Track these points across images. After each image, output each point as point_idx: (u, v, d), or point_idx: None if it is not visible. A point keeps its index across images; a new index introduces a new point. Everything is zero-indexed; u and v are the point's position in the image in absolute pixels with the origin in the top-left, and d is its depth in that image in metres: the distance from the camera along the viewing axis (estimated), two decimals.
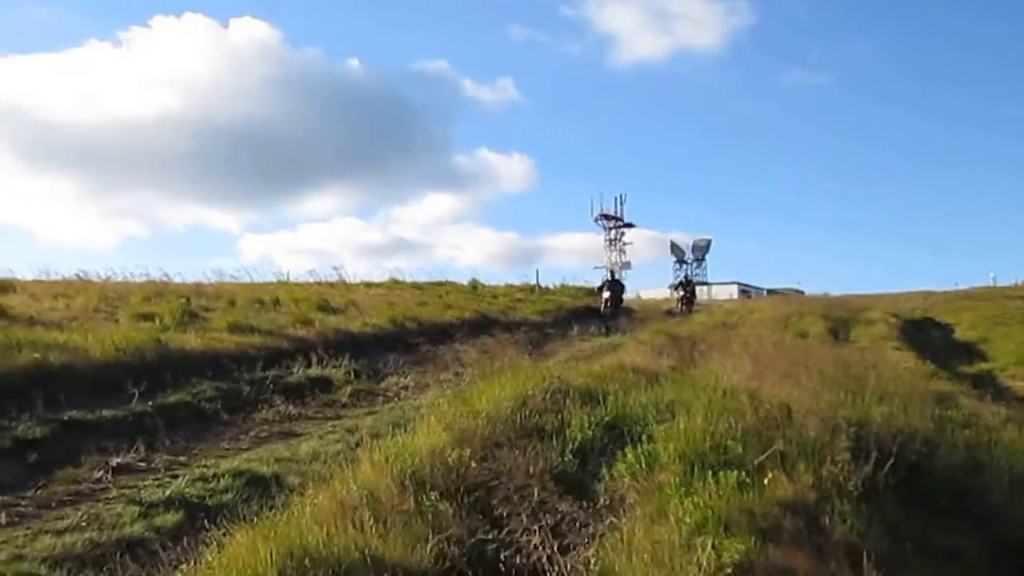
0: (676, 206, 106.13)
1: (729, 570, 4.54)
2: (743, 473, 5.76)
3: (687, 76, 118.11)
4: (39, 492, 7.24)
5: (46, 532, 6.23)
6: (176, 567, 4.86)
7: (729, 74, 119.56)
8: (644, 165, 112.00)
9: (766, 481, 5.67)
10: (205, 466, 8.17)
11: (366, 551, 4.77)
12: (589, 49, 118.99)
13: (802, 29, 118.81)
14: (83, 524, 6.43)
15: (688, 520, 5.10)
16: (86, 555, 5.74)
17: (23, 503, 6.96)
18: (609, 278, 32.66)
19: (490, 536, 5.54)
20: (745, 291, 54.48)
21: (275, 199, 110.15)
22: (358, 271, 36.81)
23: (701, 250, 65.43)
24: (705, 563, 4.54)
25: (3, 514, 6.64)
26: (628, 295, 34.67)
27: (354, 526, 5.09)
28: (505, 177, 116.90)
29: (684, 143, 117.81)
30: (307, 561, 4.57)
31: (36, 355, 10.42)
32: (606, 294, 31.10)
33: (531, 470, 6.40)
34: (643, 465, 6.39)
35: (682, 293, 37.96)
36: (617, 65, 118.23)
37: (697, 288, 43.02)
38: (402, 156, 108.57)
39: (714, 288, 56.42)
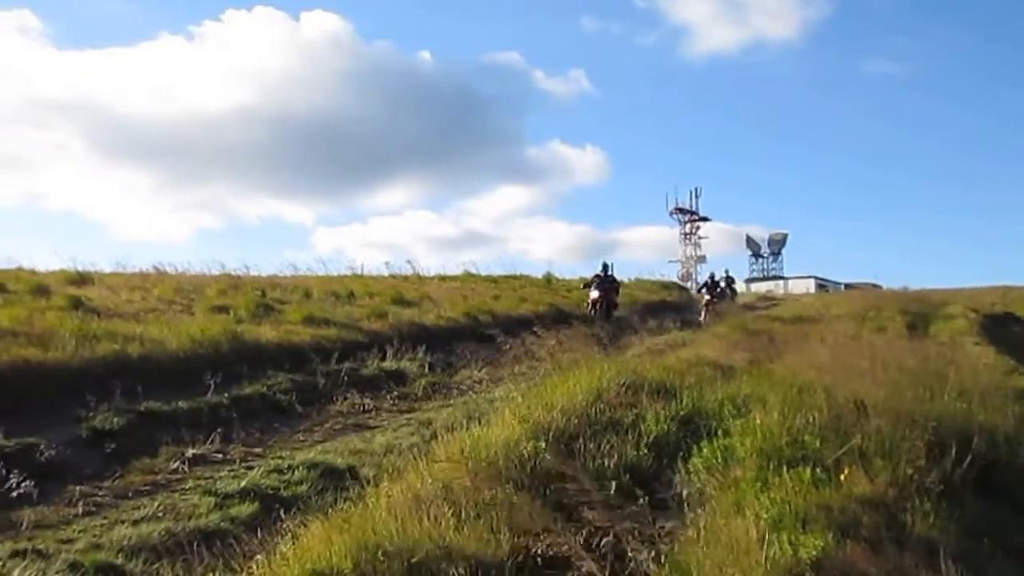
0: (751, 199, 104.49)
1: (806, 566, 4.38)
2: (820, 469, 5.62)
3: (762, 68, 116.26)
4: (116, 482, 7.26)
5: (123, 522, 6.22)
6: (251, 558, 4.77)
7: (805, 66, 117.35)
8: (718, 158, 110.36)
9: (843, 477, 5.51)
10: (280, 457, 8.14)
11: (440, 543, 4.66)
12: (662, 41, 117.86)
13: (880, 19, 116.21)
14: (159, 514, 6.42)
15: (764, 515, 4.96)
16: (162, 545, 5.70)
17: (101, 493, 6.98)
18: (601, 273, 23.74)
19: (565, 529, 5.40)
20: (822, 285, 53.48)
21: (347, 192, 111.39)
22: (430, 264, 36.89)
23: (777, 244, 64.73)
24: (782, 559, 4.41)
25: (81, 504, 6.66)
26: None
27: (428, 518, 4.97)
28: (578, 169, 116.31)
29: (759, 136, 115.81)
30: (381, 553, 4.47)
31: (115, 346, 10.53)
32: (594, 293, 23.29)
33: (606, 463, 6.28)
34: (719, 460, 6.27)
35: (708, 297, 28.26)
36: (691, 57, 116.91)
37: (736, 287, 35.81)
38: (474, 149, 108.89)
39: (790, 282, 55.51)
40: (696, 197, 62.70)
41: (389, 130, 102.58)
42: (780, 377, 8.58)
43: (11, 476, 6.64)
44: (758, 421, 6.74)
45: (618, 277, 24.99)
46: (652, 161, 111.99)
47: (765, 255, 65.12)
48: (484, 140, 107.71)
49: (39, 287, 15.78)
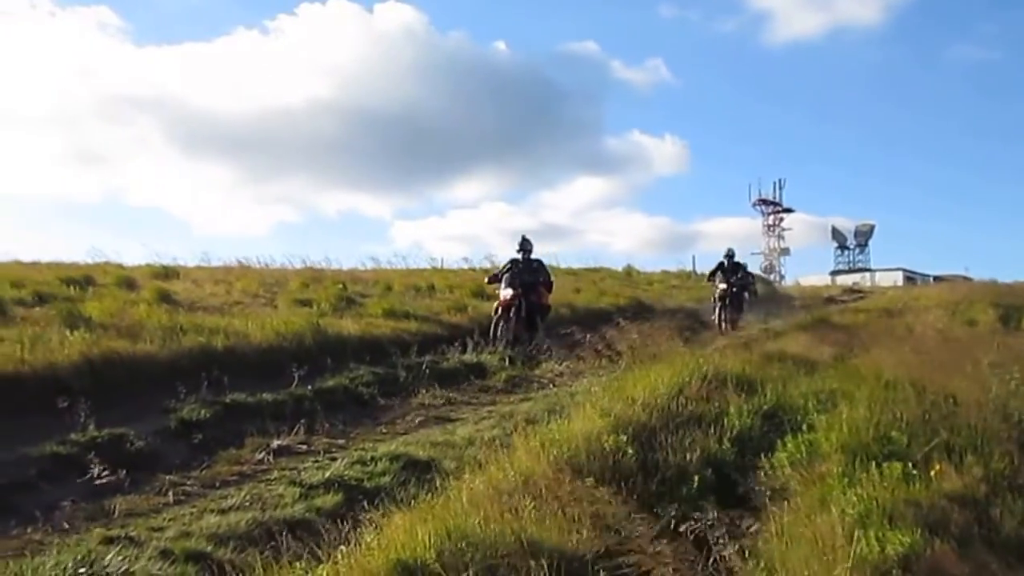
0: (835, 190, 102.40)
1: (893, 562, 4.30)
2: (908, 464, 5.52)
3: (846, 53, 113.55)
4: (204, 472, 7.38)
5: (211, 511, 6.31)
6: (336, 547, 4.80)
7: (891, 50, 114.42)
8: (801, 146, 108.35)
9: (933, 473, 5.41)
10: (363, 449, 8.19)
11: (522, 535, 4.64)
12: (742, 27, 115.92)
13: (968, 2, 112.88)
14: (246, 504, 6.49)
15: (851, 511, 4.88)
16: (250, 534, 5.77)
17: (189, 482, 7.09)
18: (519, 258, 16.10)
19: (647, 523, 5.41)
20: (910, 277, 52.29)
21: (424, 185, 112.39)
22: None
23: (864, 235, 63.51)
24: (868, 555, 4.33)
25: (170, 493, 6.78)
26: (787, 282, 30.87)
27: (510, 511, 4.97)
28: (657, 160, 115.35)
29: (843, 124, 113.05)
30: (464, 544, 4.48)
31: (201, 339, 10.76)
32: (506, 291, 15.50)
33: (688, 457, 6.23)
34: (804, 455, 6.22)
35: (723, 288, 20.91)
36: (772, 43, 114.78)
37: (778, 278, 29.38)
38: (551, 140, 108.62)
39: (877, 275, 54.38)
40: (780, 188, 62.00)
41: (465, 122, 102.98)
42: (866, 372, 8.48)
43: (103, 466, 6.77)
44: (844, 416, 6.67)
45: (545, 263, 16.78)
46: (733, 150, 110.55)
47: (851, 247, 63.92)
48: (561, 131, 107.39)
49: (126, 280, 16.21)
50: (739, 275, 21.78)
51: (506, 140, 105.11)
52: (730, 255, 21.85)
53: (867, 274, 55.93)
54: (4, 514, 6.10)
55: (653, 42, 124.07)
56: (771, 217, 61.73)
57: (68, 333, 10.15)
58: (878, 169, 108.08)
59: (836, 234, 64.75)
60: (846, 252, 64.03)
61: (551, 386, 11.96)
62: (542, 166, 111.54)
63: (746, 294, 22.06)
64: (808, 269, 58.75)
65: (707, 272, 23.64)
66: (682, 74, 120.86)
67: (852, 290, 40.10)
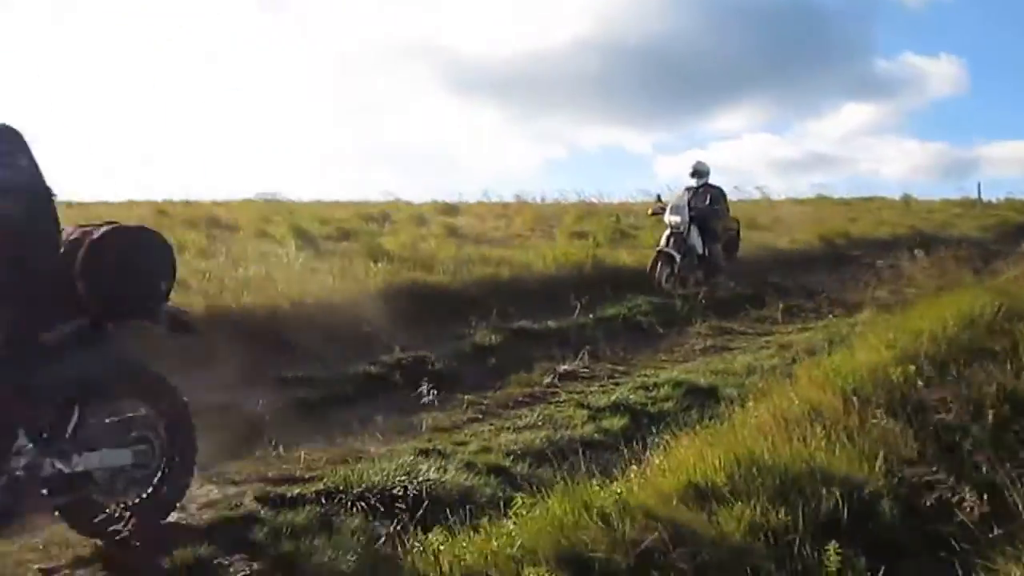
0: None
1: None
2: None
3: None
4: (497, 393, 7.86)
5: (507, 428, 6.76)
6: (626, 468, 5.05)
7: None
8: None
9: None
10: (644, 375, 8.45)
11: (811, 463, 4.69)
12: None
13: None
14: (538, 423, 6.90)
15: None
16: (543, 451, 6.13)
17: (485, 402, 7.59)
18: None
19: (940, 458, 5.21)
20: None
21: (685, 117, 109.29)
22: (776, 188, 35.62)
23: None
24: None
25: (469, 410, 7.31)
26: None
27: (799, 439, 5.03)
28: (932, 82, 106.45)
29: None
30: (754, 468, 4.57)
31: (488, 270, 11.40)
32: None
33: (982, 391, 5.98)
34: None
35: (675, 220, 13.50)
36: None
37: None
38: (816, 65, 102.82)
39: None
40: None
41: (724, 51, 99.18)
42: None
43: (420, 384, 7.36)
44: None
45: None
46: (1018, 66, 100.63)
47: None
48: (826, 56, 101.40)
49: (418, 217, 17.25)
50: (701, 209, 13.74)
51: (769, 67, 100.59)
52: (699, 172, 14.21)
53: None
54: (330, 425, 6.83)
55: None
56: None
57: (372, 265, 11.08)
58: None
59: None
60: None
61: (829, 316, 11.73)
62: (807, 93, 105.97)
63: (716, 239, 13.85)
64: None
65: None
66: None
67: None
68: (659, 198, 14.87)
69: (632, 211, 20.88)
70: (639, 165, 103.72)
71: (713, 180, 14.10)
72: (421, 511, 4.85)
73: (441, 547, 3.90)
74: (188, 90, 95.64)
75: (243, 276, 9.90)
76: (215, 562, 4.50)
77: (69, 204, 16.59)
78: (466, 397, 7.60)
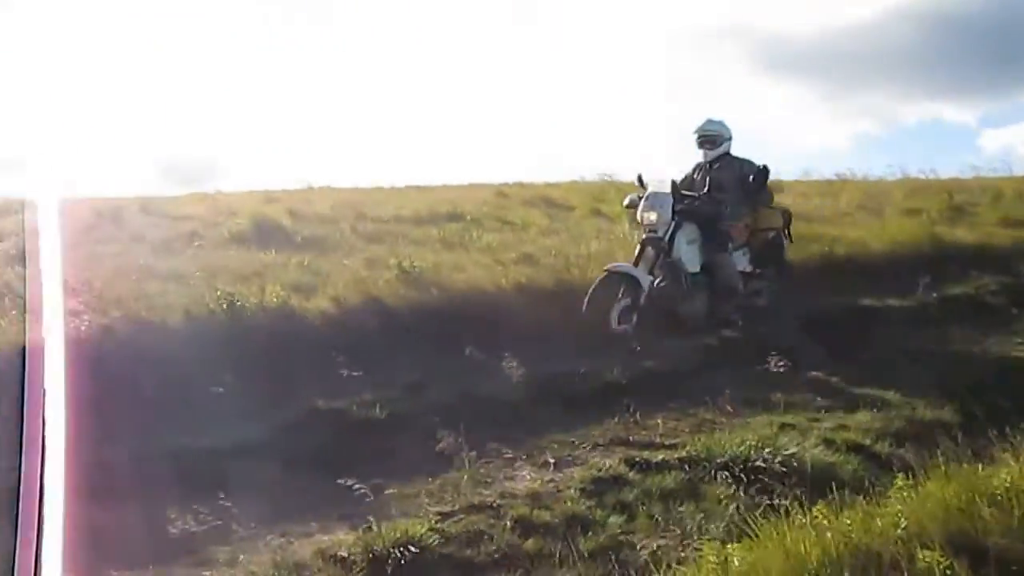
0: None
1: None
2: None
3: None
4: (842, 371, 7.74)
5: (862, 407, 6.69)
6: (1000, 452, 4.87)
7: None
8: None
9: None
10: (1002, 356, 8.22)
11: None
12: None
13: None
14: (892, 402, 6.82)
15: None
16: (902, 431, 6.09)
17: (833, 379, 7.54)
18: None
19: None
20: None
21: (1016, 87, 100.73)
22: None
23: None
24: None
25: (816, 386, 7.32)
26: None
27: None
28: None
29: None
30: None
31: (824, 248, 11.26)
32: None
33: None
34: None
35: (650, 218, 8.74)
36: None
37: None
38: None
39: None
40: None
41: None
42: None
43: (768, 357, 7.53)
44: None
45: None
46: None
47: None
48: None
49: None
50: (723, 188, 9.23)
51: None
52: (708, 137, 9.51)
53: None
54: (680, 396, 7.04)
55: None
56: None
57: None
58: None
59: None
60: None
61: None
62: None
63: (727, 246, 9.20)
64: None
65: None
66: None
67: None
68: (640, 180, 9.22)
69: (965, 187, 19.67)
70: (961, 139, 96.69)
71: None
72: (788, 485, 4.95)
73: (826, 522, 3.88)
74: (519, 79, 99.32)
75: (585, 252, 10.30)
76: (589, 518, 4.84)
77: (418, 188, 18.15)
78: (810, 374, 7.59)
